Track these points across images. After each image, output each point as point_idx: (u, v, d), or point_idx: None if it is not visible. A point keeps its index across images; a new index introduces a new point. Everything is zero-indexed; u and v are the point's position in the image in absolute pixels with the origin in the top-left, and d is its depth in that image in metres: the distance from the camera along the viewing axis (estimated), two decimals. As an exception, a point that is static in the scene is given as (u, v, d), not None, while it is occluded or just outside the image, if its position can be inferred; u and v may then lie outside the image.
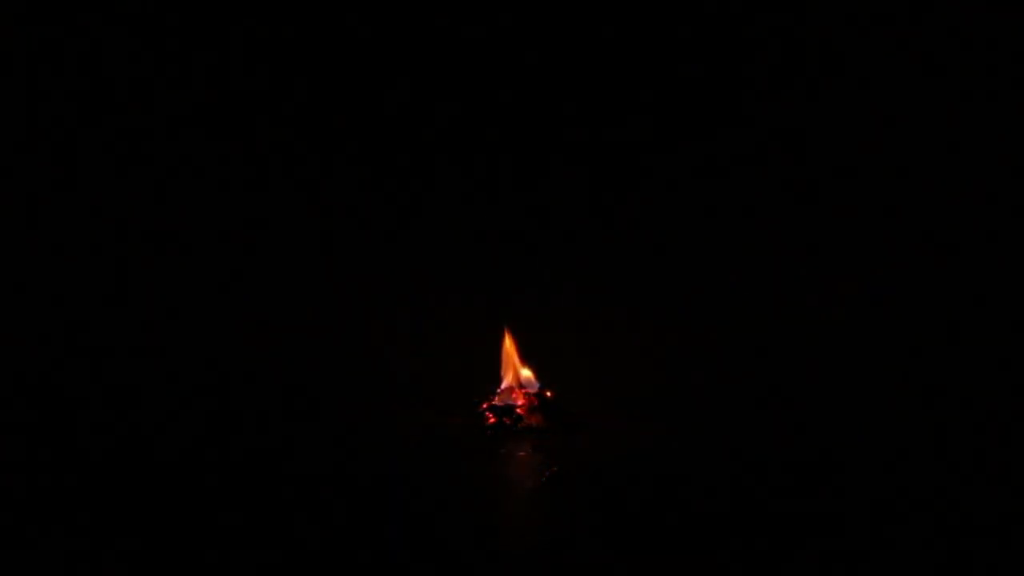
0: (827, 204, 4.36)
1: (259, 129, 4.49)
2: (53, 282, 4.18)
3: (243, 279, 4.33)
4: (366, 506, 2.61)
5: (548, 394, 3.25)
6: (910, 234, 4.21)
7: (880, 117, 4.33)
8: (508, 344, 3.33)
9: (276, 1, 4.42)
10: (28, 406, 3.35)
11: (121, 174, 4.41)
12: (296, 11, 4.43)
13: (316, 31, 4.46)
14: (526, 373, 3.31)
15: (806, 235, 4.33)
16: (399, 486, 2.72)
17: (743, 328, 3.92)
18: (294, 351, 3.87)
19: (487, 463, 2.92)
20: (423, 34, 4.47)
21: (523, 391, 3.25)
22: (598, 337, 3.92)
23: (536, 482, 2.75)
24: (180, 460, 2.91)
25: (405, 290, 4.28)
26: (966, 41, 4.21)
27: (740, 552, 2.32)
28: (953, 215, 4.19)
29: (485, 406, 3.22)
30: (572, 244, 4.48)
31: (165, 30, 4.38)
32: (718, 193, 4.46)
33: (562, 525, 2.52)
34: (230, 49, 4.43)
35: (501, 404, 3.23)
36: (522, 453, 2.96)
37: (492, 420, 3.17)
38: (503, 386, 3.29)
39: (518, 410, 3.19)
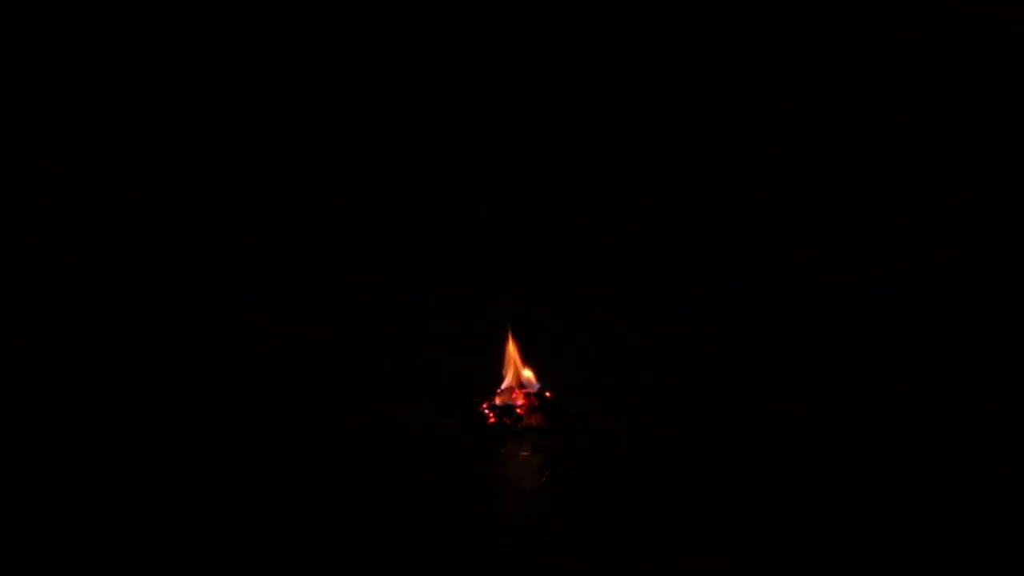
0: (827, 204, 4.36)
1: (259, 129, 4.49)
2: (52, 282, 4.18)
3: (243, 279, 4.34)
4: (366, 506, 2.61)
5: (548, 394, 3.25)
6: (909, 234, 4.21)
7: (880, 116, 4.33)
8: (511, 345, 3.33)
9: (276, 1, 4.43)
10: (27, 406, 3.35)
11: (121, 174, 4.41)
12: (296, 10, 4.43)
13: (317, 30, 4.46)
14: (526, 374, 3.31)
15: (806, 235, 4.33)
16: (399, 486, 2.72)
17: (743, 328, 3.92)
18: (294, 351, 3.87)
19: (487, 463, 2.92)
20: (424, 34, 4.47)
21: (523, 391, 3.25)
22: (598, 337, 3.92)
23: (536, 482, 2.75)
24: (180, 460, 2.91)
25: (405, 290, 4.28)
26: (966, 40, 4.21)
27: (740, 552, 2.32)
28: (953, 215, 4.19)
29: (485, 406, 3.22)
30: (572, 244, 4.48)
31: (165, 30, 4.38)
32: (718, 193, 4.47)
33: (562, 525, 2.52)
34: (230, 48, 4.43)
35: (501, 404, 3.23)
36: (523, 453, 2.96)
37: (492, 420, 3.17)
38: (503, 386, 3.29)
39: (518, 410, 3.19)
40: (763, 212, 4.41)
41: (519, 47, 4.47)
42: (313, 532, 2.46)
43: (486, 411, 3.20)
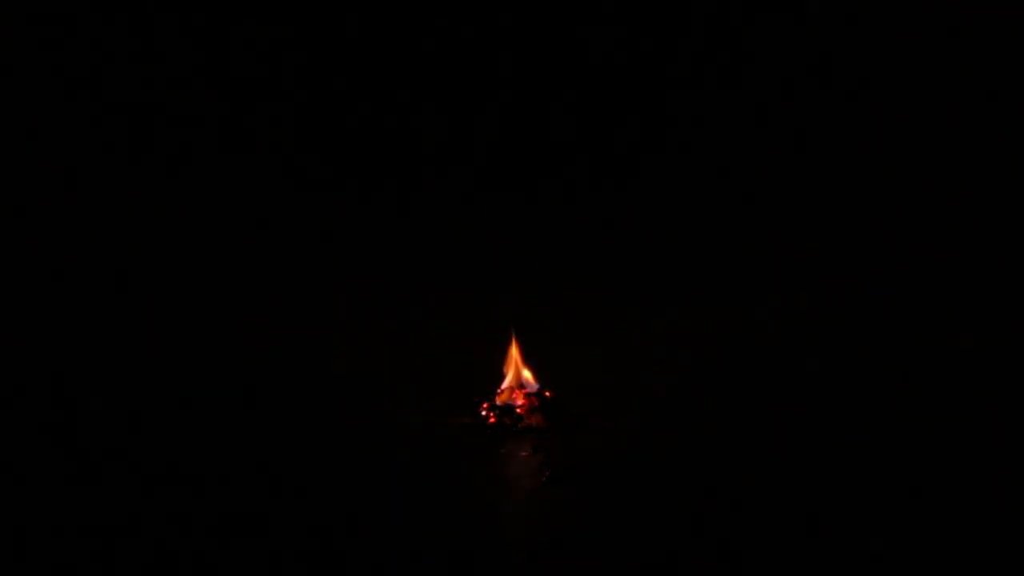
0: (827, 204, 4.36)
1: (259, 129, 4.49)
2: (52, 282, 4.18)
3: (243, 279, 4.34)
4: (366, 506, 2.61)
5: (548, 394, 3.25)
6: (909, 234, 4.21)
7: (880, 116, 4.33)
8: (513, 346, 3.34)
9: (276, 1, 4.43)
10: (27, 406, 3.35)
11: (121, 174, 4.41)
12: (296, 10, 4.43)
13: (317, 30, 4.46)
14: (527, 375, 3.31)
15: (806, 235, 4.33)
16: (399, 486, 2.72)
17: (743, 328, 3.92)
18: (294, 351, 3.87)
19: (487, 463, 2.92)
20: (424, 34, 4.47)
21: (523, 391, 3.25)
22: (598, 337, 3.92)
23: (536, 482, 2.75)
24: (180, 460, 2.91)
25: (405, 290, 4.28)
26: (966, 40, 4.21)
27: (740, 552, 2.32)
28: (953, 215, 4.19)
29: (485, 406, 3.22)
30: (572, 244, 4.48)
31: (165, 30, 4.38)
32: (719, 193, 4.47)
33: (562, 525, 2.52)
34: (230, 47, 4.43)
35: (501, 404, 3.23)
36: (522, 453, 2.96)
37: (492, 420, 3.17)
38: (504, 386, 3.29)
39: (518, 410, 3.19)
40: (763, 212, 4.41)
41: (519, 47, 4.47)
42: (312, 532, 2.46)
43: (486, 411, 3.20)
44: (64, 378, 3.60)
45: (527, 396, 3.23)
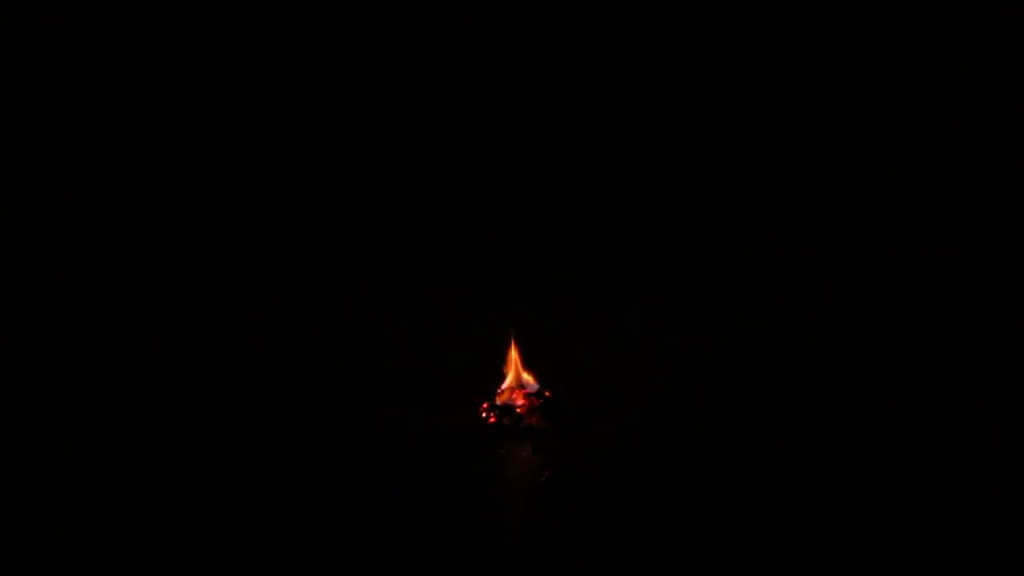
0: (827, 204, 4.36)
1: (258, 129, 4.49)
2: (52, 282, 4.18)
3: (243, 279, 4.33)
4: (366, 505, 2.61)
5: (548, 394, 3.25)
6: (909, 234, 4.21)
7: (880, 116, 4.33)
8: (514, 348, 3.34)
9: (276, 1, 4.43)
10: (27, 406, 3.36)
11: (121, 174, 4.41)
12: (296, 10, 4.43)
13: (316, 30, 4.46)
14: (527, 376, 3.31)
15: (806, 235, 4.33)
16: (399, 486, 2.72)
17: (743, 328, 3.92)
18: (295, 351, 3.87)
19: (487, 463, 2.92)
20: (424, 34, 4.47)
21: (523, 391, 3.26)
22: (598, 337, 3.92)
23: (536, 482, 2.75)
24: (180, 460, 2.91)
25: (405, 290, 4.28)
26: (966, 40, 4.21)
27: (739, 551, 2.32)
28: (953, 215, 4.19)
29: (485, 406, 3.23)
30: (573, 244, 4.48)
31: (165, 29, 4.38)
32: (719, 193, 4.46)
33: (562, 525, 2.52)
34: (229, 46, 4.43)
35: (501, 404, 3.23)
36: (523, 453, 2.96)
37: (492, 420, 3.17)
38: (504, 386, 3.29)
39: (518, 410, 3.19)
40: (763, 212, 4.40)
41: (519, 47, 4.47)
42: (313, 531, 2.47)
43: (486, 411, 3.20)
44: (64, 378, 3.60)
45: (527, 396, 3.23)
